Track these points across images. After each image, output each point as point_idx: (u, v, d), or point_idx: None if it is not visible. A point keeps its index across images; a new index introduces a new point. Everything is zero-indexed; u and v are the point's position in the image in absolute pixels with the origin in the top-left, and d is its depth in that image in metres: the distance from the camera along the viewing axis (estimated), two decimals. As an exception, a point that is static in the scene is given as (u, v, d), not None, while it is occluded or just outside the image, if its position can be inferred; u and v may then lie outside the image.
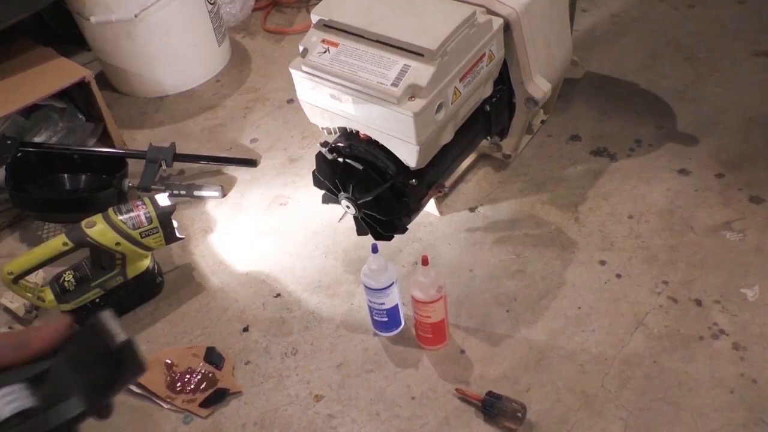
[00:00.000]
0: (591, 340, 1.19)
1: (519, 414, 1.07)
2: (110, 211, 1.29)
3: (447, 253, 1.38)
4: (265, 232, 1.50)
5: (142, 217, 1.28)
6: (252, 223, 1.52)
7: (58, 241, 1.25)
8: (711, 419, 1.06)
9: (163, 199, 1.32)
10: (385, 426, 1.12)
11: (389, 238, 1.28)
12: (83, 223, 1.27)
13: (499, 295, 1.28)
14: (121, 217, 1.27)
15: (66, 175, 1.64)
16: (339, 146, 1.23)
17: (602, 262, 1.31)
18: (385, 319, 1.21)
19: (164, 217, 1.30)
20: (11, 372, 0.45)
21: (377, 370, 1.20)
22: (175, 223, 1.33)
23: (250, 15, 2.26)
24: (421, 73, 1.08)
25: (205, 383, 1.21)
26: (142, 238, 1.29)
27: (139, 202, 1.30)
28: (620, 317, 1.21)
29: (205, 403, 1.19)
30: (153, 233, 1.30)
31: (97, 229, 1.26)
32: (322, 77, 1.17)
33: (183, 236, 1.37)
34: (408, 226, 1.28)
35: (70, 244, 1.25)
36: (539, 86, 1.32)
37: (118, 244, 1.27)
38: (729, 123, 1.57)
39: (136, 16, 1.76)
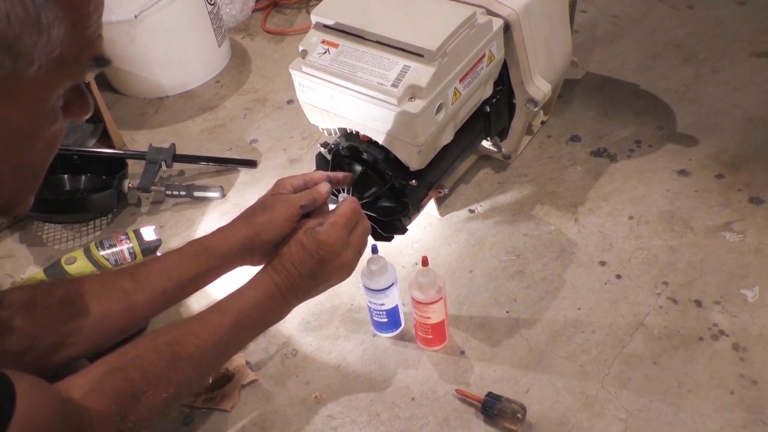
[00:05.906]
0: (591, 340, 1.19)
1: (519, 415, 1.07)
2: (92, 245, 1.22)
3: (447, 254, 1.38)
4: (264, 233, 1.50)
5: (125, 253, 1.22)
6: (252, 224, 1.52)
7: (35, 279, 1.18)
8: (711, 420, 1.06)
9: (148, 233, 1.25)
10: (384, 427, 1.12)
11: (389, 238, 1.28)
12: (63, 259, 1.20)
13: (499, 296, 1.28)
14: (102, 253, 1.21)
15: (66, 176, 1.64)
16: (339, 147, 1.23)
17: (602, 263, 1.31)
18: (385, 319, 1.21)
19: (149, 252, 1.24)
20: None
21: (377, 370, 1.20)
22: None
23: (250, 16, 2.26)
24: (421, 73, 1.08)
25: (219, 380, 1.21)
26: None
27: (122, 236, 1.24)
28: (620, 318, 1.21)
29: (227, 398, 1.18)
30: None
31: (77, 265, 1.19)
32: (322, 78, 1.17)
33: None
34: (408, 227, 1.28)
35: None
36: (539, 87, 1.32)
37: None
38: (729, 124, 1.57)
39: (135, 17, 1.76)
